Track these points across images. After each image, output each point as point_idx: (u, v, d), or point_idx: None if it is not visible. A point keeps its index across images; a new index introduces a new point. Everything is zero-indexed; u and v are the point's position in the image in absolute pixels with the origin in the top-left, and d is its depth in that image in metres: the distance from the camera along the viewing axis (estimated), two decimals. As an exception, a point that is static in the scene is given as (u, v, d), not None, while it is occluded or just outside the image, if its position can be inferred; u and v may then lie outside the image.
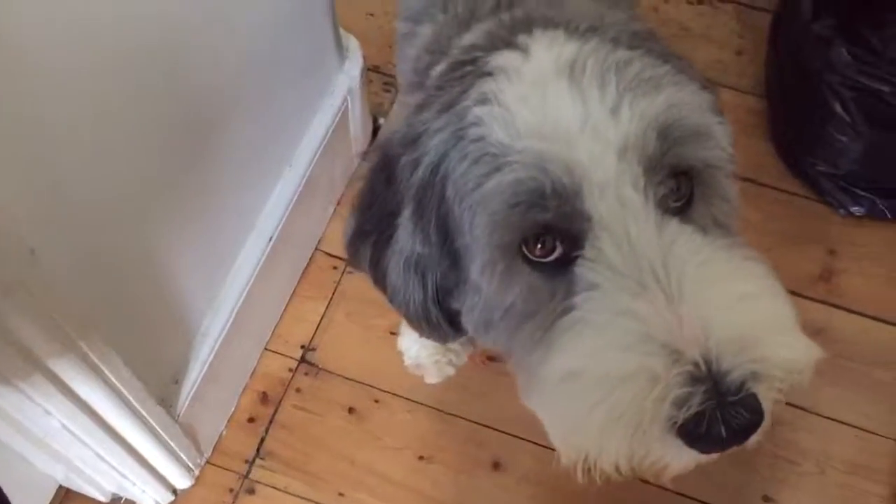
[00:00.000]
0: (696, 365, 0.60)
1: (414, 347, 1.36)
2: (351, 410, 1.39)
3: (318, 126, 1.36)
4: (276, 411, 1.38)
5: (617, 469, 0.65)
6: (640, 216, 0.63)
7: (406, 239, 0.74)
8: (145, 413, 1.06)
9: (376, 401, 1.39)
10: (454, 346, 1.33)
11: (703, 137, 0.67)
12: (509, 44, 0.71)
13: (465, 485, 1.34)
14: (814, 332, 1.44)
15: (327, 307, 1.46)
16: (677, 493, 1.32)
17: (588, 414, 0.62)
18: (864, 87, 1.42)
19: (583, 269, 0.65)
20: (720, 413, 0.59)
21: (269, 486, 1.34)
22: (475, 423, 1.38)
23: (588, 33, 0.70)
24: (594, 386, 0.62)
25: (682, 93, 0.67)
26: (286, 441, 1.37)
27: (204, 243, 1.15)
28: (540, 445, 1.34)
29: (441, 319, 0.78)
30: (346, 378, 1.41)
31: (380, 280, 0.80)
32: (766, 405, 0.62)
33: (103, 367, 0.91)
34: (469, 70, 0.71)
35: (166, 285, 1.09)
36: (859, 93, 1.43)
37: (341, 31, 1.39)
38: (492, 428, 1.37)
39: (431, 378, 1.39)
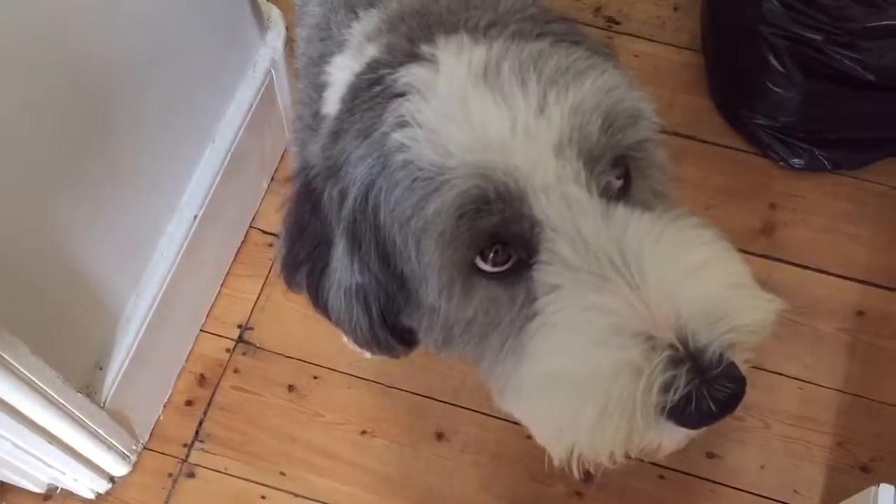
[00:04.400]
0: (674, 346, 0.59)
1: (353, 322, 1.33)
2: (290, 388, 1.37)
3: (241, 100, 1.32)
4: (214, 393, 1.36)
5: (612, 457, 0.64)
6: (587, 211, 0.62)
7: (343, 271, 0.72)
8: (64, 401, 1.03)
9: (316, 377, 1.37)
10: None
11: (640, 119, 0.66)
12: (414, 56, 0.68)
13: (409, 457, 1.33)
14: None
15: (264, 285, 1.44)
16: (619, 455, 1.31)
17: (578, 414, 0.61)
18: (797, 36, 1.40)
19: (541, 273, 0.63)
20: (706, 390, 0.59)
21: (209, 468, 1.32)
22: (417, 394, 1.36)
23: (491, 30, 0.68)
24: (578, 386, 0.61)
25: (606, 76, 0.65)
26: (226, 423, 1.35)
27: (120, 226, 1.11)
28: (481, 413, 1.33)
29: (391, 339, 0.77)
30: (285, 356, 1.39)
31: (321, 309, 0.78)
32: (743, 369, 0.62)
33: (5, 356, 0.88)
34: (378, 91, 0.68)
35: (80, 270, 1.05)
36: (793, 43, 1.41)
37: (262, 1, 1.35)
38: (434, 399, 1.36)
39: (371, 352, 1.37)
